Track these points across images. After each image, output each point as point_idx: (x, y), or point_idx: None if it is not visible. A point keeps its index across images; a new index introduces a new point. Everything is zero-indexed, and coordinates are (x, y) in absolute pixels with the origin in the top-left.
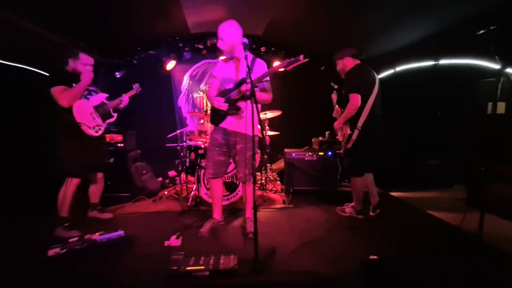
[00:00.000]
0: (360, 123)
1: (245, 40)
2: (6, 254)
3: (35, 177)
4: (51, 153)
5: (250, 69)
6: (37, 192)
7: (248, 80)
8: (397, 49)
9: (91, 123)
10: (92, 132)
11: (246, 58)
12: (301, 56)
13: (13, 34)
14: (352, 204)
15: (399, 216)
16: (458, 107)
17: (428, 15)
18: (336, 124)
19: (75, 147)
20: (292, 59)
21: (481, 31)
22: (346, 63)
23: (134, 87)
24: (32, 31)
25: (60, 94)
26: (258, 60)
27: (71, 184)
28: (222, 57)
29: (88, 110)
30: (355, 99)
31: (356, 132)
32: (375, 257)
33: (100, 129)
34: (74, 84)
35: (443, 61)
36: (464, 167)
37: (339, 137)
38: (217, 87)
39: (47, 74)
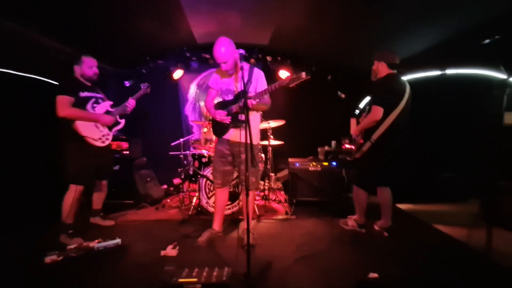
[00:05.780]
0: (374, 136)
1: (242, 51)
2: (6, 258)
3: (42, 182)
4: (58, 159)
5: (246, 84)
6: (44, 197)
7: (248, 93)
8: (403, 58)
9: (95, 135)
10: (98, 144)
11: (242, 69)
12: (303, 73)
13: (27, 46)
14: (355, 217)
15: (404, 231)
16: (469, 117)
17: (433, 24)
18: (353, 131)
19: (80, 154)
20: (294, 76)
21: (486, 41)
22: (380, 68)
23: (142, 87)
24: (45, 43)
25: (64, 105)
26: (256, 69)
27: (76, 191)
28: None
29: (92, 122)
30: (377, 112)
31: (368, 144)
32: (375, 274)
33: (107, 139)
34: (83, 94)
35: (450, 71)
36: (479, 180)
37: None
38: (214, 97)
39: (57, 83)
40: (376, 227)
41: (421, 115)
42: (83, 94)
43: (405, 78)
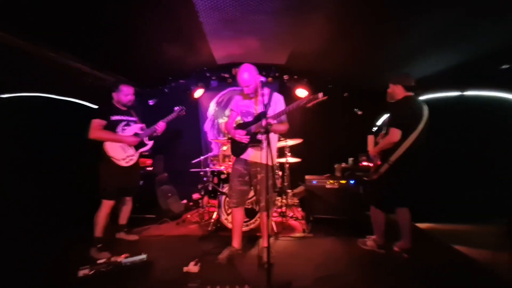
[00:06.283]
0: (393, 158)
1: (263, 79)
2: (40, 269)
3: (74, 197)
4: (91, 177)
5: (267, 106)
6: (74, 211)
7: (265, 119)
8: (420, 78)
9: (120, 155)
10: (122, 164)
11: (263, 95)
12: (320, 94)
13: (59, 71)
14: (374, 237)
15: (425, 252)
16: (493, 136)
17: (451, 48)
18: (371, 152)
19: (107, 172)
20: (311, 96)
21: (504, 66)
22: (397, 91)
23: (175, 110)
24: (77, 68)
25: (95, 128)
26: (275, 94)
27: (105, 206)
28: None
29: (118, 143)
30: (395, 134)
31: (385, 166)
32: None
33: (131, 159)
34: (114, 117)
35: (469, 92)
36: (505, 199)
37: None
38: (235, 119)
39: (95, 107)
40: (396, 249)
41: (442, 134)
42: (114, 117)
43: (424, 98)
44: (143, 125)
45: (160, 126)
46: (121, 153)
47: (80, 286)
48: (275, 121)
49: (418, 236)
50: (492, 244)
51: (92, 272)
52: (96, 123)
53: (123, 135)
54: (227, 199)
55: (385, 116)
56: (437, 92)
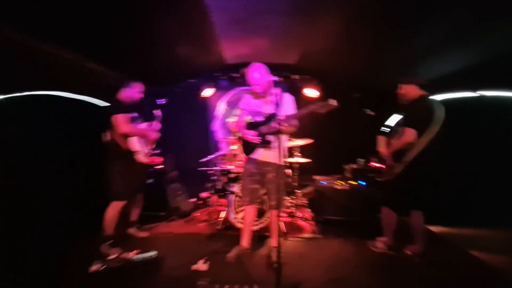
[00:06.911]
0: (408, 158)
1: (275, 78)
2: (53, 265)
3: (85, 198)
4: (103, 176)
5: (278, 107)
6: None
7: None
8: (435, 78)
9: (143, 151)
10: (143, 159)
11: (274, 95)
12: (334, 102)
13: (76, 71)
14: (385, 239)
15: (437, 256)
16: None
17: (465, 47)
18: (383, 151)
19: (126, 172)
20: (324, 103)
21: None
22: (411, 91)
23: (156, 115)
24: (92, 68)
25: (122, 123)
26: (286, 94)
27: (118, 205)
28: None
29: (141, 139)
30: (410, 135)
31: (400, 167)
32: None
33: (149, 155)
34: (132, 114)
35: (487, 93)
36: None
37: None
38: (245, 118)
39: (108, 104)
40: (408, 252)
41: (459, 135)
42: (132, 114)
43: (440, 98)
44: (148, 123)
45: (158, 126)
46: (144, 148)
47: (91, 281)
48: (286, 125)
49: (431, 240)
50: (509, 250)
51: (103, 267)
52: (123, 117)
53: (148, 130)
54: (238, 198)
55: (397, 117)
56: (454, 92)
